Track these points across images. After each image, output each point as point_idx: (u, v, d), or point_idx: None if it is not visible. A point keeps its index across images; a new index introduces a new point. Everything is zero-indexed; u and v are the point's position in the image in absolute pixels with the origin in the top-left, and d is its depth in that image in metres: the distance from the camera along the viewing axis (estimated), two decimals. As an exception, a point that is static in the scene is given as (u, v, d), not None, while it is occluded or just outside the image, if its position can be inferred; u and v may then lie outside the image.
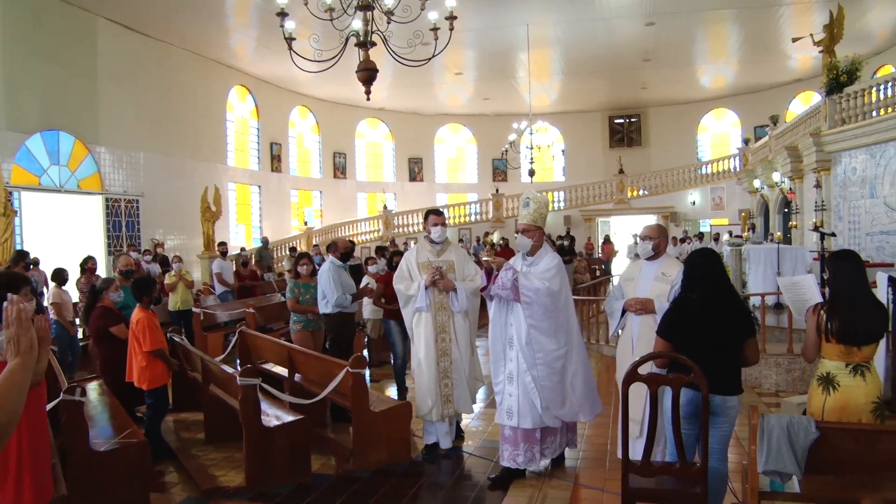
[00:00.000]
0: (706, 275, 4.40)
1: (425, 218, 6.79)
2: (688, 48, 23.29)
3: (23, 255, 9.02)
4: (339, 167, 30.62)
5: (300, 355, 7.17)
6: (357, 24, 7.58)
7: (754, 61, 24.58)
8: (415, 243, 7.00)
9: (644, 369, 4.14)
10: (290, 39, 7.51)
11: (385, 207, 29.47)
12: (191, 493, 5.75)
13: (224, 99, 24.03)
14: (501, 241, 23.18)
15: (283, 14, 7.63)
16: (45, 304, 9.34)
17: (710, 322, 4.27)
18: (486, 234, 27.84)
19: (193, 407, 8.10)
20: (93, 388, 7.22)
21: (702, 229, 27.01)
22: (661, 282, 5.34)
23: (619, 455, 5.54)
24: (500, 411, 5.72)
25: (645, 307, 5.32)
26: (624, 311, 5.50)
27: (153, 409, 6.67)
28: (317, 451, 6.40)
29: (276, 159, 26.72)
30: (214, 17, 19.13)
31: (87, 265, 11.01)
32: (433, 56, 7.85)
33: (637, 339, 5.37)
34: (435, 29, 7.49)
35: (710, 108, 31.34)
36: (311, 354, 7.13)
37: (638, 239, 5.92)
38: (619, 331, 5.73)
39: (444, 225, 6.65)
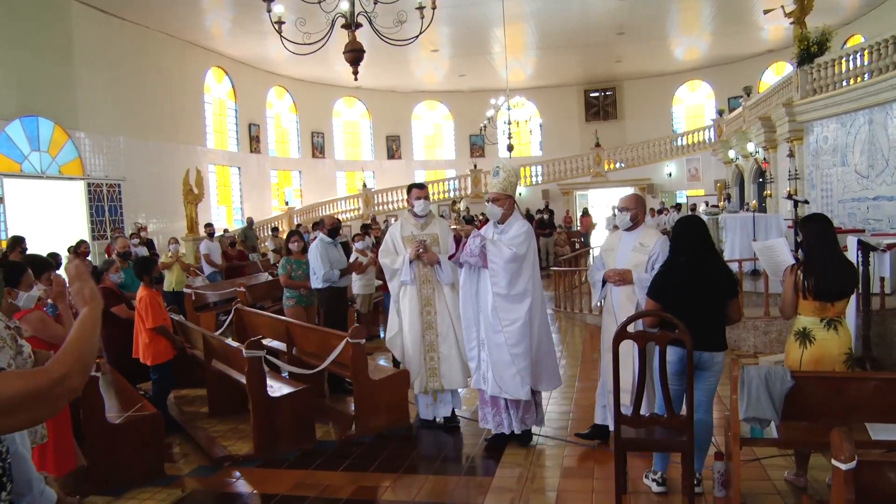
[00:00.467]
0: (692, 240, 4.69)
1: (408, 192, 6.85)
2: (661, 21, 23.54)
3: (18, 240, 9.11)
4: (318, 147, 30.67)
5: (298, 329, 7.42)
6: (344, 5, 7.73)
7: (727, 33, 24.89)
8: (395, 220, 6.98)
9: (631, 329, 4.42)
10: (279, 23, 7.66)
11: (364, 186, 29.60)
12: (202, 462, 6.00)
13: (201, 81, 23.98)
14: (482, 215, 23.43)
15: (280, 22, 7.77)
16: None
17: (696, 284, 4.57)
18: (454, 202, 28.01)
19: (193, 384, 8.32)
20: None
21: (678, 200, 27.41)
22: (639, 252, 5.40)
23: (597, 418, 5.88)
24: (477, 377, 5.90)
25: (623, 278, 5.37)
26: (605, 282, 5.57)
27: (158, 385, 6.90)
28: (318, 420, 6.65)
29: (254, 140, 26.75)
30: (189, -2, 19.12)
31: (81, 249, 11.13)
32: (420, 34, 8.04)
33: (618, 309, 5.43)
34: (421, 8, 7.66)
35: (685, 80, 31.70)
36: (310, 328, 7.39)
37: (616, 210, 5.99)
38: (601, 301, 5.83)
39: (426, 198, 6.71)
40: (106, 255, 13.59)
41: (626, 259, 5.45)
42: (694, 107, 32.26)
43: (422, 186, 6.81)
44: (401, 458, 5.84)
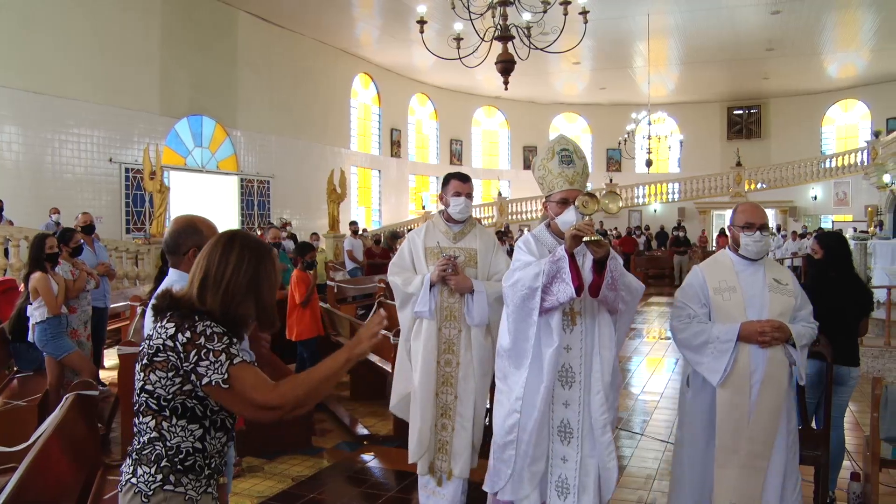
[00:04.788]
0: (846, 255, 4.74)
1: (445, 183, 4.62)
2: (814, 36, 22.64)
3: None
4: (456, 154, 31.38)
5: (438, 323, 7.76)
6: (527, 16, 7.96)
7: (889, 49, 23.57)
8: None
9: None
10: (457, 39, 7.96)
11: (500, 195, 29.95)
12: (344, 439, 6.44)
13: (349, 86, 25.14)
14: (615, 229, 23.21)
15: (422, 22, 8.16)
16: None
17: (844, 299, 4.60)
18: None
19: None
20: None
21: (822, 225, 26.21)
22: (780, 293, 3.65)
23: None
24: (543, 485, 3.59)
25: (782, 333, 3.53)
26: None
27: (307, 363, 7.41)
28: (452, 411, 6.96)
29: (395, 145, 27.72)
30: (342, 8, 20.20)
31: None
32: (577, 44, 8.19)
33: (762, 381, 3.53)
34: (585, 13, 7.73)
35: (837, 98, 30.28)
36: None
37: (743, 230, 3.73)
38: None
39: (469, 196, 4.57)
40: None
41: (766, 304, 3.62)
42: (846, 127, 30.74)
43: (465, 179, 4.62)
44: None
